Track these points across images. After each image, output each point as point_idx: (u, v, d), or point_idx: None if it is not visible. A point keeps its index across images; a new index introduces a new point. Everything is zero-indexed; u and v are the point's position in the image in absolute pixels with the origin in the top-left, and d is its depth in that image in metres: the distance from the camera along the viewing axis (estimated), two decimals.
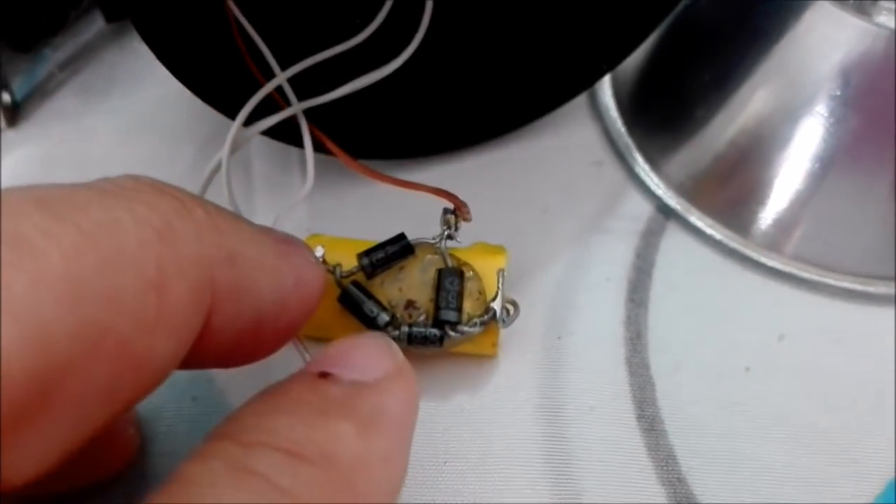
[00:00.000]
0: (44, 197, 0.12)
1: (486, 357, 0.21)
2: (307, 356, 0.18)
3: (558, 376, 0.21)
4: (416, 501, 0.19)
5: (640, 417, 0.20)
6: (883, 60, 0.22)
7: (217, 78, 0.22)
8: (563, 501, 0.19)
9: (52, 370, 0.11)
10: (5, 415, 0.10)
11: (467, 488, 0.19)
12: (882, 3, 0.23)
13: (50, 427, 0.11)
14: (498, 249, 0.21)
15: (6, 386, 0.10)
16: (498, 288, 0.20)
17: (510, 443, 0.20)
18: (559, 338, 0.22)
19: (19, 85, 0.29)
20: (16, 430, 0.11)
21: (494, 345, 0.21)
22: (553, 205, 0.25)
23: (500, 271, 0.20)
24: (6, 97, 0.28)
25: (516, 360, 0.21)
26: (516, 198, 0.25)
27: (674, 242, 0.24)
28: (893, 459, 0.20)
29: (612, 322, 0.22)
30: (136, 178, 0.13)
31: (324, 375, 0.15)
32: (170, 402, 0.21)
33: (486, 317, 0.20)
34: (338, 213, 0.24)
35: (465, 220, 0.20)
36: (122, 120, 0.28)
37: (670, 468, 0.20)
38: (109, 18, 0.29)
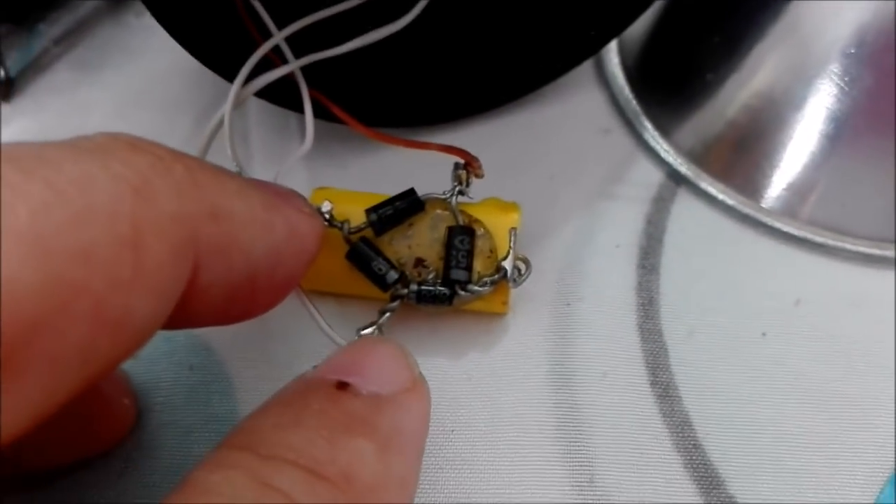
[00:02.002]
0: (12, 154, 0.11)
1: (496, 315, 0.21)
2: (314, 311, 0.18)
3: (568, 343, 0.20)
4: (422, 470, 0.18)
5: (653, 384, 0.20)
6: None
7: (218, 41, 0.21)
8: (575, 469, 0.18)
9: (21, 328, 0.10)
10: None
11: (477, 457, 0.19)
12: None
13: (24, 387, 0.11)
14: (511, 206, 0.20)
15: None
16: (510, 247, 0.19)
17: (520, 410, 0.19)
18: (568, 304, 0.21)
19: (14, 60, 0.28)
20: None
21: (505, 303, 0.20)
22: (560, 172, 0.24)
23: (513, 230, 0.20)
24: (1, 72, 0.27)
25: (525, 327, 0.21)
26: (523, 166, 0.24)
27: (685, 209, 0.23)
28: None
29: (622, 288, 0.22)
30: (112, 136, 0.13)
31: (342, 385, 0.14)
32: (167, 371, 0.20)
33: (496, 276, 0.19)
34: (340, 181, 0.24)
35: (478, 175, 0.19)
36: (117, 93, 0.27)
37: (686, 434, 0.19)
38: None
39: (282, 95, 0.22)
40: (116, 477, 0.19)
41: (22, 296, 0.10)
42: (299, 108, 0.23)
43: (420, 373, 0.16)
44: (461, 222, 0.20)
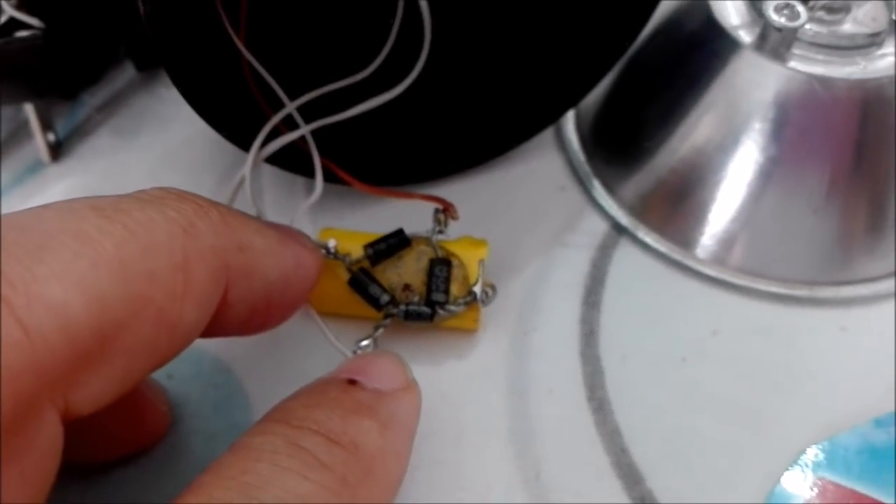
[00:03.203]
0: (98, 204, 0.16)
1: (469, 331, 0.25)
2: (324, 327, 0.23)
3: (523, 364, 0.25)
4: None
5: (590, 399, 0.24)
6: (797, 98, 0.26)
7: (235, 116, 0.26)
8: (524, 467, 0.23)
9: (108, 327, 0.14)
10: (74, 358, 0.14)
11: (446, 458, 0.23)
12: (795, 50, 0.27)
13: (106, 371, 0.15)
14: (480, 243, 0.25)
15: (74, 335, 0.14)
16: (479, 275, 0.24)
17: (482, 419, 0.24)
18: (525, 333, 0.26)
19: (62, 126, 0.33)
20: (83, 369, 0.14)
21: (475, 321, 0.25)
22: (523, 223, 0.29)
23: (481, 261, 0.24)
24: (51, 136, 0.32)
25: (488, 352, 0.25)
26: (492, 216, 0.29)
27: (625, 255, 0.28)
28: (806, 433, 0.24)
29: (569, 320, 0.26)
30: (165, 189, 0.17)
31: (352, 382, 0.19)
32: (196, 389, 0.24)
33: (468, 297, 0.24)
34: (339, 226, 0.28)
35: (454, 218, 0.25)
36: (152, 156, 0.32)
37: (615, 441, 0.23)
38: (140, 67, 0.33)
39: (290, 162, 0.27)
40: (153, 473, 0.23)
41: (110, 304, 0.14)
42: (304, 172, 0.28)
43: (414, 378, 0.20)
44: (440, 255, 0.24)
